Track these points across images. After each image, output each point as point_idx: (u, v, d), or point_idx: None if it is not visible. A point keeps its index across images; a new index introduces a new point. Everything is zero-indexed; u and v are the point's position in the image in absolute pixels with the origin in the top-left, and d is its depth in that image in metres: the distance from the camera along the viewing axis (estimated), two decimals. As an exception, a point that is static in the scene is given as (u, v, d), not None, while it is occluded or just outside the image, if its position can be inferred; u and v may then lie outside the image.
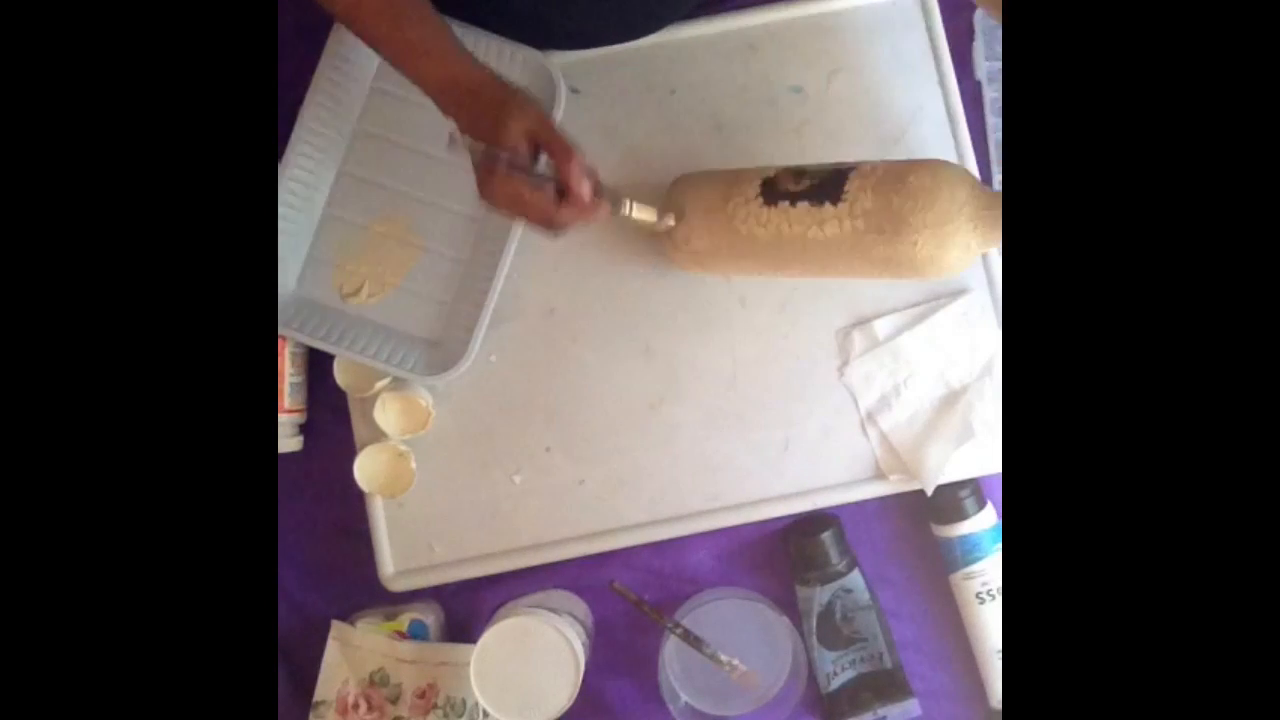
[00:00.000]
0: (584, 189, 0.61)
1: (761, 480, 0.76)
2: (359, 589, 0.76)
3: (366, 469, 0.74)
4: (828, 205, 0.66)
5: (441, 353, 0.75)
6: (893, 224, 0.64)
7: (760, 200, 0.68)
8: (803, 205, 0.67)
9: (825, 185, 0.67)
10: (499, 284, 0.73)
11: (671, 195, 0.72)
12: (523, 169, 0.60)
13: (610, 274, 0.77)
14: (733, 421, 0.76)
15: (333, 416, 0.77)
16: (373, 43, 0.64)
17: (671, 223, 0.70)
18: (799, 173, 0.69)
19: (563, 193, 0.61)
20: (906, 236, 0.64)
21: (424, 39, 0.63)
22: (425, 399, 0.74)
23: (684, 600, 0.73)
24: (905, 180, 0.64)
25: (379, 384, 0.74)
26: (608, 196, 0.64)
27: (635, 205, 0.67)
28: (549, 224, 0.62)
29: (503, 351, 0.77)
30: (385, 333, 0.75)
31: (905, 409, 0.75)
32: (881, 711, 0.72)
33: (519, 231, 0.73)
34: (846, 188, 0.66)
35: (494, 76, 0.63)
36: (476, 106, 0.62)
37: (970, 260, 0.66)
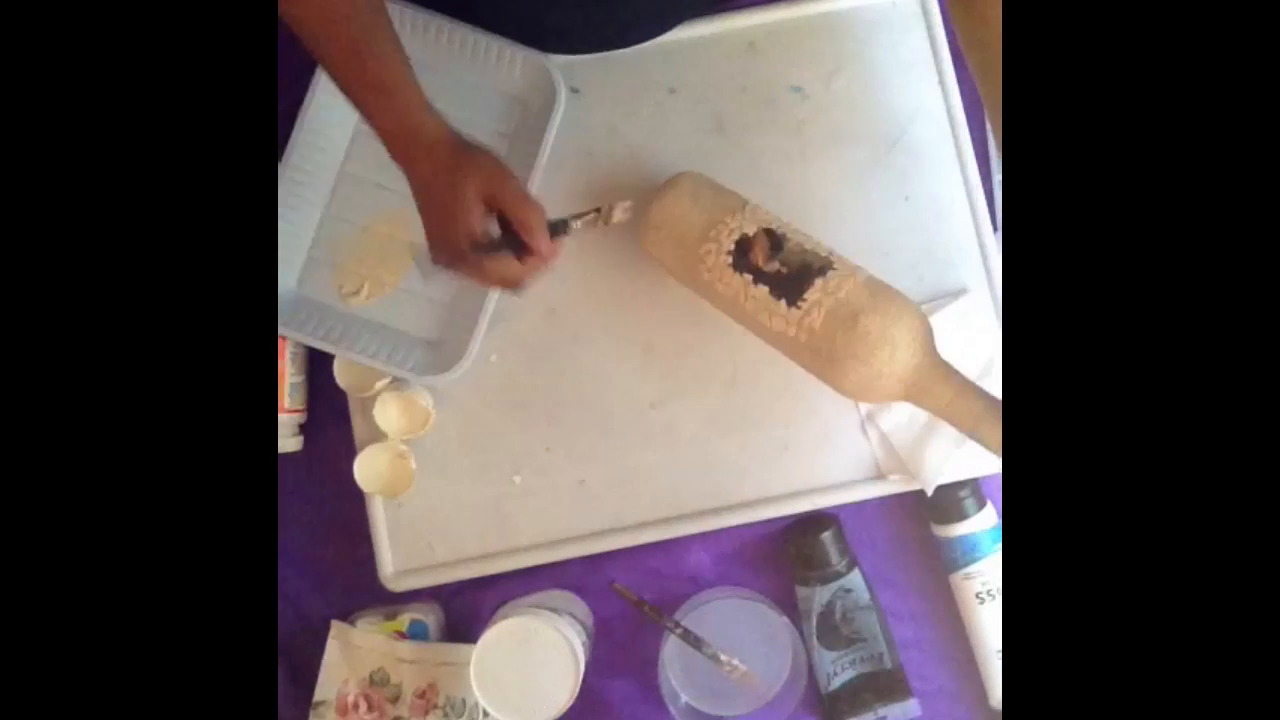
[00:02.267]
0: (544, 245, 0.61)
1: (761, 480, 0.76)
2: (359, 589, 0.76)
3: (366, 469, 0.74)
4: (783, 303, 0.66)
5: (441, 353, 0.75)
6: (828, 355, 0.65)
7: (729, 260, 0.68)
8: (762, 289, 0.67)
9: (790, 281, 0.66)
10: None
11: (659, 202, 0.71)
12: (482, 248, 0.61)
13: (610, 274, 0.77)
14: (733, 421, 0.76)
15: (333, 416, 0.77)
16: (336, 71, 0.62)
17: (623, 211, 0.66)
18: (776, 244, 0.68)
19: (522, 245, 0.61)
20: (837, 371, 0.65)
21: (389, 77, 0.61)
22: (425, 399, 0.74)
23: (684, 600, 0.73)
24: (857, 321, 0.64)
25: (379, 384, 0.74)
26: (600, 216, 0.64)
27: (618, 208, 0.65)
28: (514, 287, 0.63)
29: (503, 351, 0.77)
30: (385, 333, 0.75)
31: (905, 409, 0.75)
32: (881, 711, 0.72)
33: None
34: (807, 296, 0.65)
35: (452, 131, 0.62)
36: (431, 161, 0.61)
37: (893, 399, 0.67)
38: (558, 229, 0.64)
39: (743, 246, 0.68)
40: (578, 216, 0.65)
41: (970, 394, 0.65)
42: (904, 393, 0.66)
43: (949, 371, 0.66)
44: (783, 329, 0.67)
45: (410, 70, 0.62)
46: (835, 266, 0.67)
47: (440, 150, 0.61)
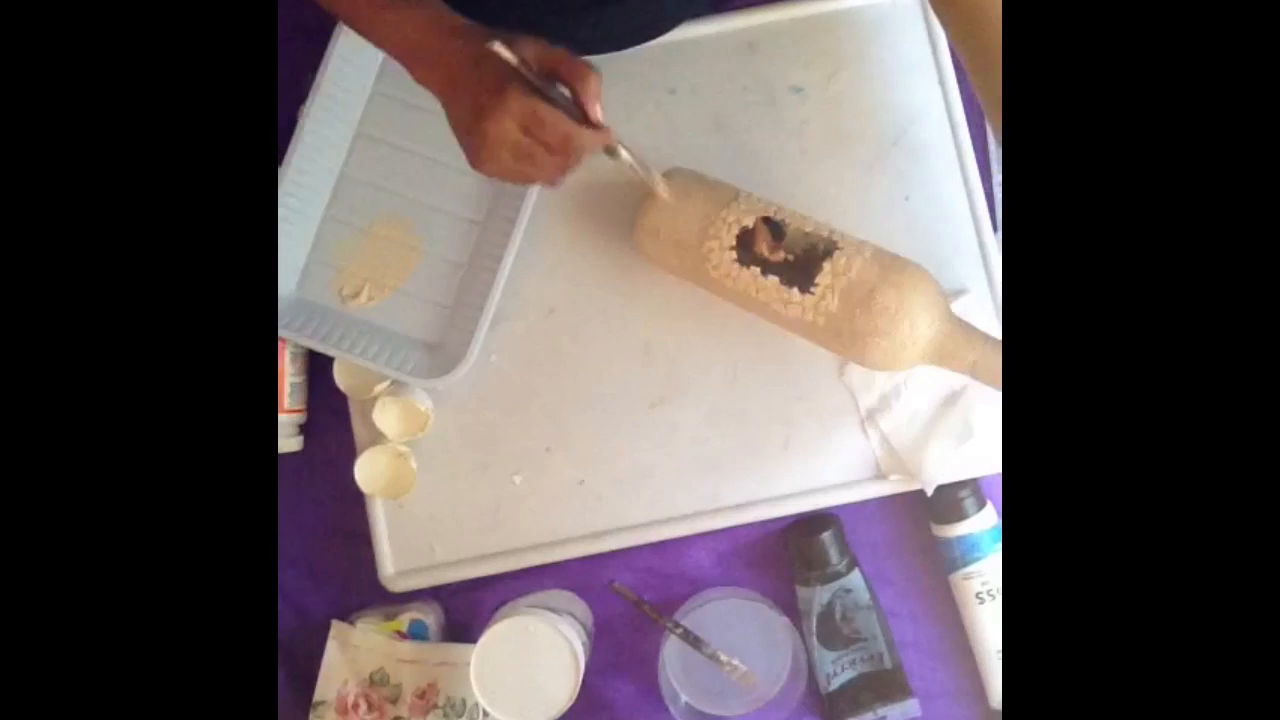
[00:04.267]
0: (598, 112, 0.55)
1: (761, 480, 0.76)
2: (359, 589, 0.76)
3: (367, 471, 0.74)
4: (795, 291, 0.66)
5: (441, 356, 0.75)
6: (850, 335, 0.66)
7: (734, 256, 0.68)
8: (772, 279, 0.67)
9: (799, 268, 0.67)
10: (499, 289, 0.73)
11: (652, 205, 0.71)
12: (540, 89, 0.54)
13: (610, 274, 0.77)
14: (733, 421, 0.76)
15: (333, 417, 0.77)
16: (352, 10, 0.58)
17: (665, 194, 0.67)
18: (778, 231, 0.68)
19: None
20: (861, 349, 0.66)
21: None
22: (424, 402, 0.73)
23: (684, 600, 0.73)
24: (873, 299, 0.64)
25: (379, 387, 0.74)
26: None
27: (631, 155, 0.62)
28: (566, 149, 0.55)
29: (503, 351, 0.77)
30: (385, 335, 0.75)
31: (905, 409, 0.75)
32: (881, 711, 0.72)
33: (520, 236, 0.73)
34: (818, 280, 0.66)
35: (470, 22, 0.57)
36: (466, 41, 0.55)
37: (918, 364, 0.68)
38: (610, 149, 0.60)
39: (744, 240, 0.68)
40: (633, 159, 0.62)
41: (995, 352, 0.65)
42: (929, 358, 0.67)
43: (969, 331, 0.66)
44: (799, 315, 0.67)
45: None
46: (840, 245, 0.67)
47: (473, 30, 0.56)
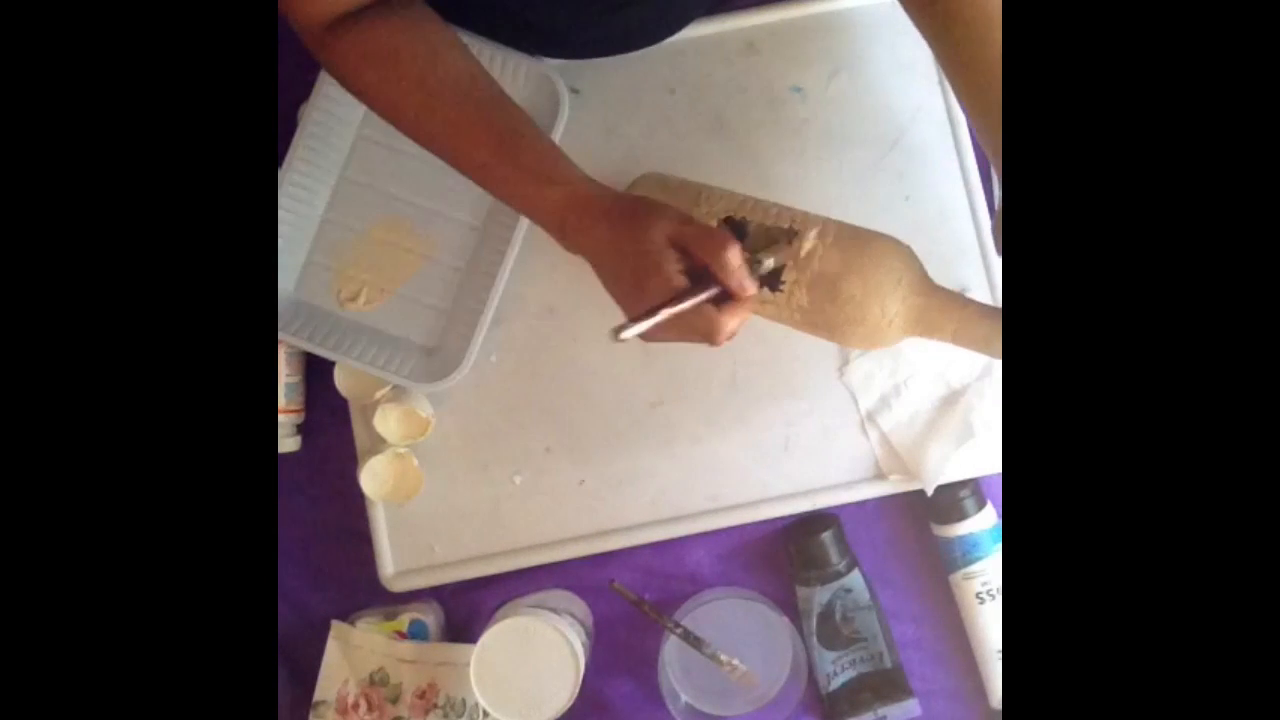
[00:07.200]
0: (745, 285, 0.54)
1: (761, 480, 0.76)
2: (359, 589, 0.76)
3: (372, 479, 0.74)
4: (765, 291, 0.65)
5: (439, 359, 0.75)
6: (826, 326, 0.65)
7: None
8: None
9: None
10: (497, 295, 0.73)
11: None
12: (677, 298, 0.54)
13: (610, 274, 0.77)
14: (733, 421, 0.76)
15: (332, 417, 0.77)
16: (476, 173, 0.58)
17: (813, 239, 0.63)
18: (740, 232, 0.66)
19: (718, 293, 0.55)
20: (840, 337, 0.65)
21: (545, 163, 0.57)
22: (425, 408, 0.73)
23: (684, 600, 0.73)
24: (838, 291, 0.62)
25: (379, 393, 0.74)
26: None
27: (772, 259, 0.62)
28: (715, 338, 0.55)
29: (503, 351, 0.77)
30: (382, 339, 0.75)
31: (905, 409, 0.75)
32: (881, 711, 0.72)
33: (519, 243, 0.73)
34: (785, 278, 0.64)
35: (612, 191, 0.58)
36: (609, 222, 0.56)
37: (904, 338, 0.66)
38: (752, 269, 0.58)
39: None
40: (768, 252, 0.60)
41: (974, 318, 0.64)
42: (912, 332, 0.65)
43: (947, 301, 0.64)
44: (776, 314, 0.66)
45: (551, 140, 0.59)
46: (798, 239, 0.64)
47: (615, 210, 0.57)
